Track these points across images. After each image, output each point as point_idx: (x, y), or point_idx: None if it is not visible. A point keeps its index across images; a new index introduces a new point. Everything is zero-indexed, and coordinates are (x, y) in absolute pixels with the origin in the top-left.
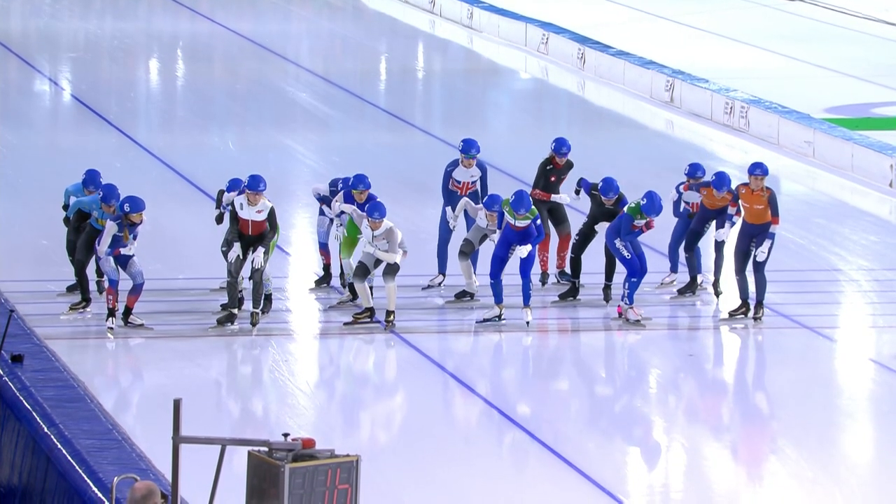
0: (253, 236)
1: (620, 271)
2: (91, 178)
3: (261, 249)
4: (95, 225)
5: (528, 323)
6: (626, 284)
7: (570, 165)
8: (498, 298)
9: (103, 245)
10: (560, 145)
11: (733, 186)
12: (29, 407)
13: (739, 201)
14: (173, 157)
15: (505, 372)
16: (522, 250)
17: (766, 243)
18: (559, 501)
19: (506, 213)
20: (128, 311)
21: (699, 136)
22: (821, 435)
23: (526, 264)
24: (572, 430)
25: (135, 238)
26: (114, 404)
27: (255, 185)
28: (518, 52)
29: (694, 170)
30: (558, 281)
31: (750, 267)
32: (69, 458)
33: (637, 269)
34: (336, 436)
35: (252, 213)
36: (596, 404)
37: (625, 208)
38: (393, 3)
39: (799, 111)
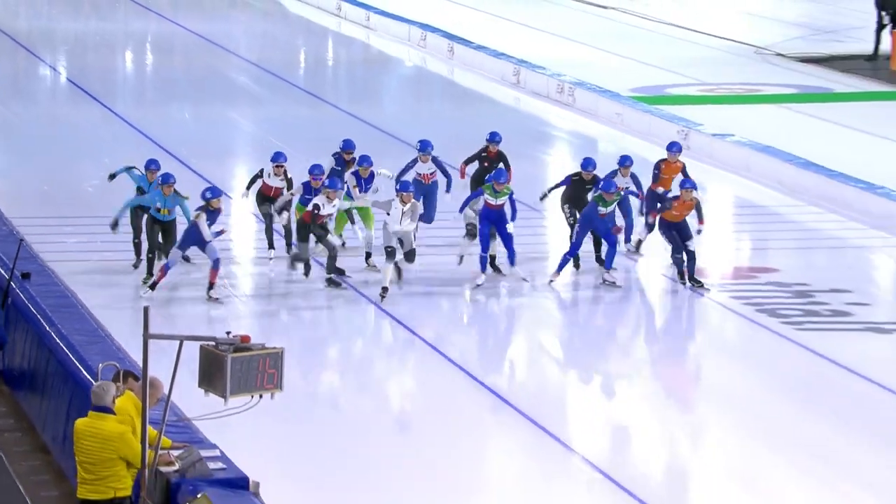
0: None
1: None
2: (153, 162)
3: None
4: (157, 215)
5: (524, 279)
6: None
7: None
8: (483, 268)
9: (205, 232)
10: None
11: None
12: (35, 312)
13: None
14: (144, 125)
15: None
16: (510, 227)
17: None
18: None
19: (485, 193)
20: (210, 286)
21: (539, 109)
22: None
23: (510, 239)
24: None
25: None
26: (100, 310)
27: (334, 184)
28: (403, 46)
29: (623, 160)
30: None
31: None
32: (65, 349)
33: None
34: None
35: (329, 209)
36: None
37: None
38: (309, 8)
39: (611, 90)
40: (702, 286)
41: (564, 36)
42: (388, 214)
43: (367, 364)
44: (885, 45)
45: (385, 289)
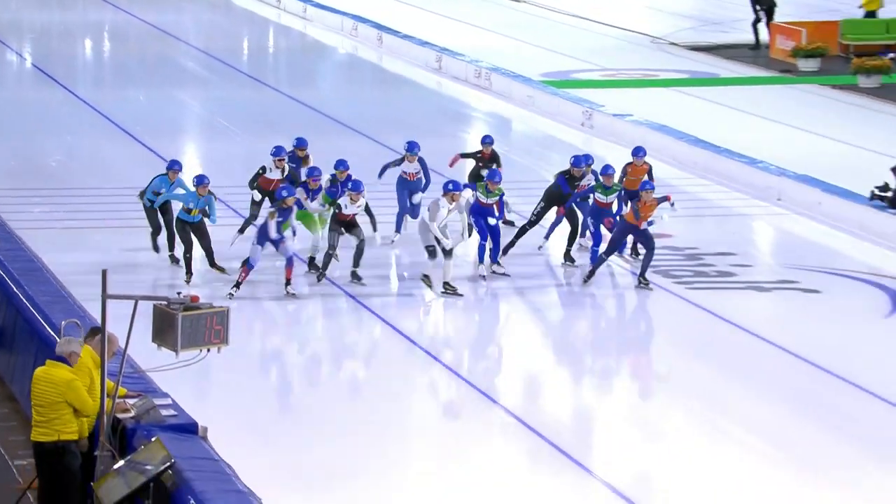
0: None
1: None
2: (176, 163)
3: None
4: (185, 216)
5: (504, 274)
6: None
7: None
8: (481, 259)
9: (272, 231)
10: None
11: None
12: (3, 275)
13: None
14: (103, 106)
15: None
16: (491, 220)
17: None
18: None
19: (479, 191)
20: (287, 282)
21: (458, 92)
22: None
23: (497, 234)
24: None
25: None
26: (63, 274)
27: (358, 186)
28: (337, 36)
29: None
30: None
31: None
32: (31, 309)
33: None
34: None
35: (353, 209)
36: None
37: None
38: (251, 1)
39: (524, 75)
40: (647, 285)
41: (482, 26)
42: (437, 214)
43: (321, 335)
44: (764, 35)
45: (444, 284)
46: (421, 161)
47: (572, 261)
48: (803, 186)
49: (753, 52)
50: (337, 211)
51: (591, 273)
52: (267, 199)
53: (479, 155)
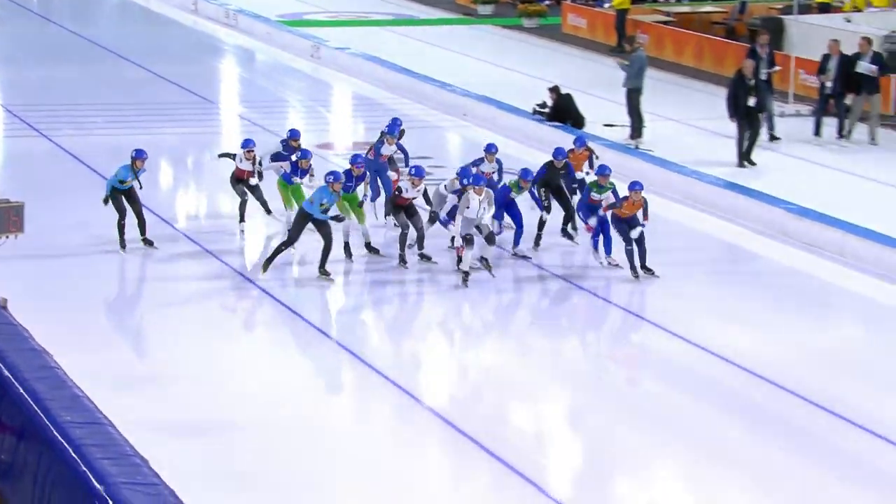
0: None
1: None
2: (142, 152)
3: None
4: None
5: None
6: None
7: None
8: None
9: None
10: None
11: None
12: None
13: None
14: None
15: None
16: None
17: (638, 229)
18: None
19: (512, 190)
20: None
21: (211, 29)
22: None
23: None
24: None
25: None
26: None
27: (420, 171)
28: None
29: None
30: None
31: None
32: None
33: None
34: None
35: (413, 193)
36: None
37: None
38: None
39: (264, 16)
40: (653, 273)
41: None
42: (468, 207)
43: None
44: None
45: (466, 273)
46: (399, 145)
47: (570, 237)
48: (483, 105)
49: None
50: (396, 194)
51: (635, 269)
52: (243, 187)
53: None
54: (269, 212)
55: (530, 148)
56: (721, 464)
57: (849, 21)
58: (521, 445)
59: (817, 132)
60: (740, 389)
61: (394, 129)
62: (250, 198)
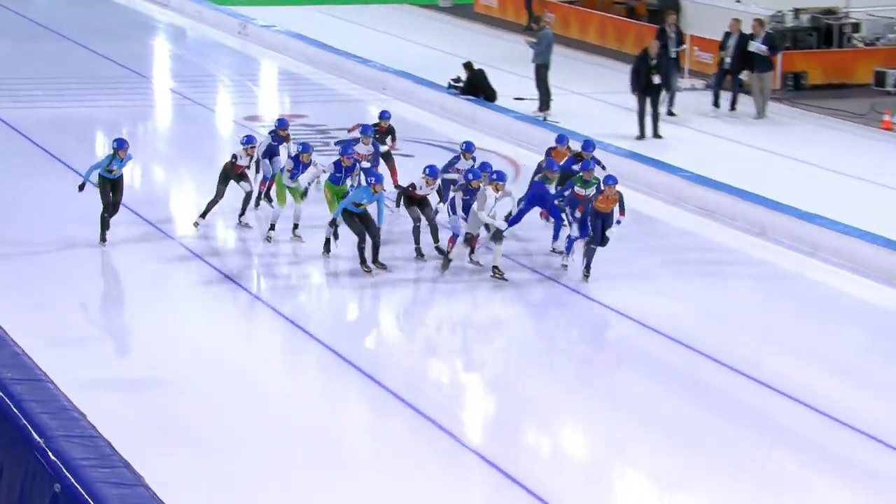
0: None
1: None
2: (125, 142)
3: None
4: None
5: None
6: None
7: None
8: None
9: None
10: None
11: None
12: None
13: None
14: None
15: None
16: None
17: (613, 230)
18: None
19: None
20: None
21: (145, 8)
22: None
23: (557, 213)
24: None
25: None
26: None
27: (434, 171)
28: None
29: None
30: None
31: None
32: None
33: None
34: None
35: (426, 190)
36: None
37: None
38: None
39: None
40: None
41: None
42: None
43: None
44: None
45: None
46: (374, 143)
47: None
48: (401, 79)
49: None
50: (410, 189)
51: (588, 270)
52: (233, 181)
53: (376, 128)
54: (257, 205)
55: (446, 119)
56: (657, 430)
57: (738, 2)
58: (436, 396)
59: (716, 103)
60: (638, 341)
61: (367, 130)
62: (246, 188)
